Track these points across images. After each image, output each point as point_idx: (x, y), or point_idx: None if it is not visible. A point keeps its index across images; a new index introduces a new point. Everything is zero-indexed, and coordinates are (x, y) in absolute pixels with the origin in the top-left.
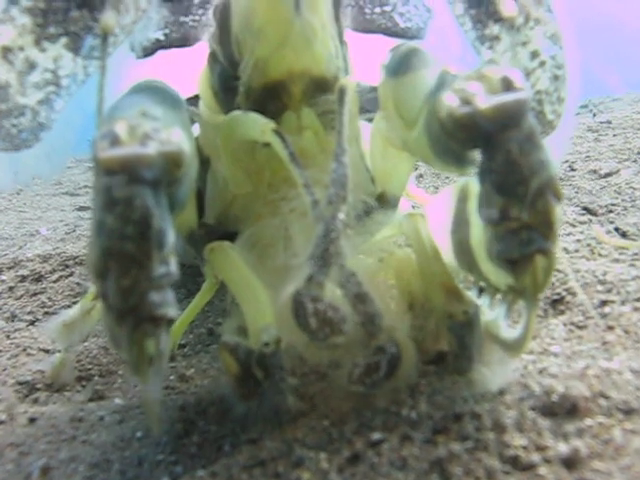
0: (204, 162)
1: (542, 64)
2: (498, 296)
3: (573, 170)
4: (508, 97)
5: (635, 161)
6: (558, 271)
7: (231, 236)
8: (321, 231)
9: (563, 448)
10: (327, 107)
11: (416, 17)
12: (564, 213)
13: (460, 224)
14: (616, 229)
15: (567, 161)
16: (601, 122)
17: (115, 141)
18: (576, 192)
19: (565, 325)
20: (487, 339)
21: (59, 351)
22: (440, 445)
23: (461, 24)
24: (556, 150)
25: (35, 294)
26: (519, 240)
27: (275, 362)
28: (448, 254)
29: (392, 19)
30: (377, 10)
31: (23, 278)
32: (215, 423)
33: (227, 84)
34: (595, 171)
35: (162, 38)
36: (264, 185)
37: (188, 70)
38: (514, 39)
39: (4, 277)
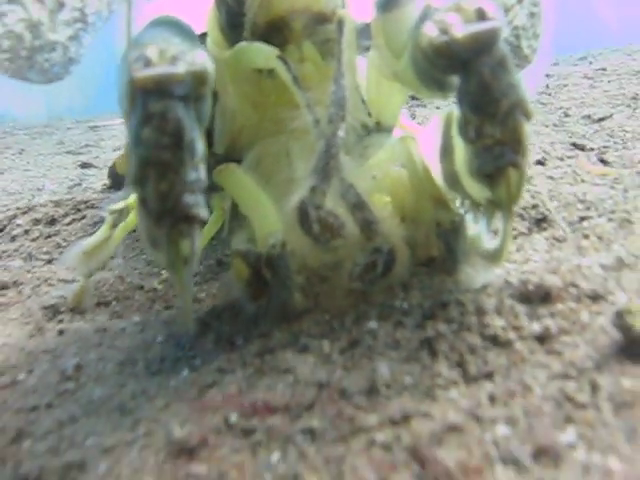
0: (213, 96)
1: (520, 1)
2: (480, 213)
3: (567, 116)
4: (481, 26)
5: (628, 106)
6: (540, 193)
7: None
8: (322, 147)
9: (536, 327)
10: (326, 37)
11: None
12: (554, 150)
13: (446, 148)
14: (601, 160)
15: (562, 107)
16: (596, 69)
17: (148, 63)
18: (570, 137)
19: (547, 239)
20: (472, 249)
21: (78, 280)
22: (429, 328)
23: None
24: (531, 82)
25: (50, 236)
26: (493, 155)
27: (282, 262)
28: (438, 176)
29: None
30: None
31: (37, 221)
32: (228, 323)
33: (233, 21)
34: (589, 116)
35: None
36: (269, 115)
37: (196, 9)
38: None
39: (19, 221)
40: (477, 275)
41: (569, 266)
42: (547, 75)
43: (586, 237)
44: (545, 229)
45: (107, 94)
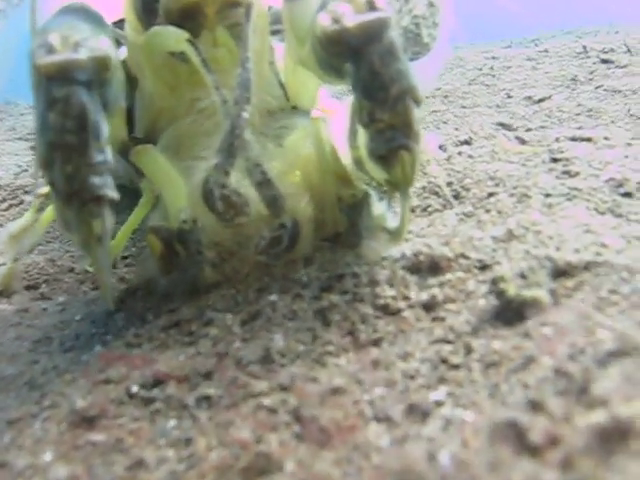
0: (132, 81)
1: None
2: (382, 193)
3: (510, 97)
4: (370, 16)
5: (568, 87)
6: (456, 172)
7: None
8: (228, 127)
9: (424, 296)
10: (239, 22)
11: None
12: (482, 129)
13: (352, 131)
14: (519, 138)
15: (504, 89)
16: (539, 51)
17: (50, 49)
18: (511, 118)
19: (457, 215)
20: (377, 229)
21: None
22: (324, 299)
23: None
24: (431, 69)
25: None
26: (385, 138)
27: (193, 237)
28: (344, 156)
29: None
30: None
31: None
32: (141, 300)
33: (148, 7)
34: (530, 97)
35: None
36: (184, 98)
37: None
38: None
39: None
40: (380, 249)
41: (461, 238)
42: (493, 57)
43: (487, 211)
44: (457, 206)
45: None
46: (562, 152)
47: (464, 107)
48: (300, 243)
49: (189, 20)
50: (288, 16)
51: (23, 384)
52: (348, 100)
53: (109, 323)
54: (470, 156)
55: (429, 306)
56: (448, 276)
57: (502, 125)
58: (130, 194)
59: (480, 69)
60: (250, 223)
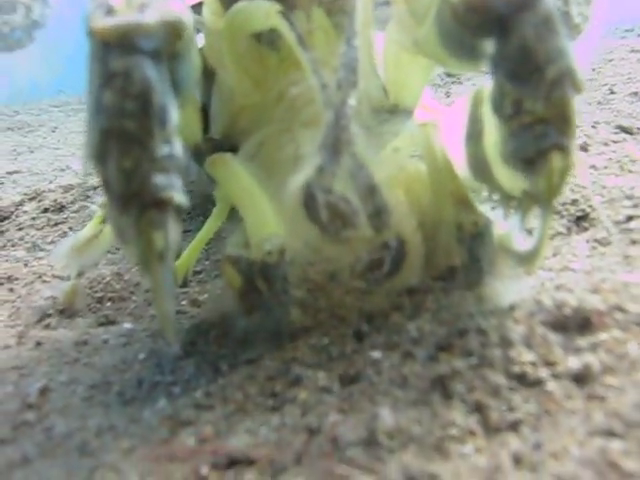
0: (209, 75)
1: None
2: (512, 208)
3: (613, 93)
4: None
5: None
6: (583, 187)
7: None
8: (331, 118)
9: (573, 363)
10: (338, 4)
11: None
12: (598, 133)
13: (474, 131)
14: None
15: (607, 84)
16: None
17: (111, 10)
18: (615, 115)
19: (588, 242)
20: (500, 253)
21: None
22: (442, 362)
23: None
24: (582, 57)
25: (57, 224)
26: (533, 135)
27: (278, 272)
28: (462, 167)
29: None
30: None
31: (45, 209)
32: (215, 344)
33: None
34: (636, 93)
35: None
36: (272, 94)
37: None
38: None
39: (26, 208)
40: (505, 290)
41: (614, 283)
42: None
43: (634, 243)
44: (586, 229)
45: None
46: None
47: None
48: (405, 268)
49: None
50: None
51: (73, 448)
52: (460, 100)
53: (176, 370)
54: (593, 167)
55: (581, 378)
56: (602, 336)
57: (621, 128)
58: (201, 197)
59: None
60: (352, 242)
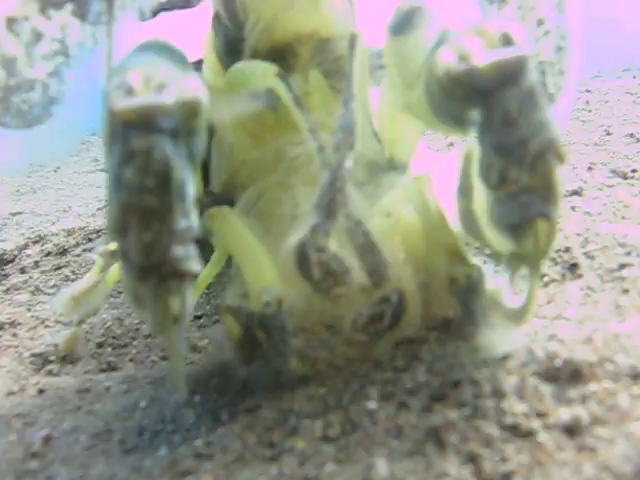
0: (209, 130)
1: (547, 33)
2: (502, 264)
3: (609, 134)
4: (506, 52)
5: None
6: (577, 234)
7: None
8: (327, 178)
9: (565, 414)
10: (336, 66)
11: None
12: (592, 177)
13: (465, 188)
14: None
15: (603, 125)
16: (639, 84)
17: (130, 91)
18: (611, 157)
19: (582, 289)
20: (492, 308)
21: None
22: (437, 413)
23: None
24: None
25: (59, 267)
26: (519, 204)
27: (277, 323)
28: (454, 219)
29: None
30: None
31: (47, 252)
32: (215, 392)
33: (232, 47)
34: (632, 134)
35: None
36: (270, 149)
37: (192, 33)
38: (522, 2)
39: (30, 252)
40: (499, 340)
41: (605, 334)
42: (587, 90)
43: (625, 292)
44: (580, 276)
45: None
46: None
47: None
48: (405, 321)
49: (278, 62)
50: (394, 53)
51: None
52: (455, 151)
53: (177, 418)
54: (587, 213)
55: (572, 429)
56: (592, 387)
57: (615, 172)
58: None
59: (574, 104)
60: (347, 297)
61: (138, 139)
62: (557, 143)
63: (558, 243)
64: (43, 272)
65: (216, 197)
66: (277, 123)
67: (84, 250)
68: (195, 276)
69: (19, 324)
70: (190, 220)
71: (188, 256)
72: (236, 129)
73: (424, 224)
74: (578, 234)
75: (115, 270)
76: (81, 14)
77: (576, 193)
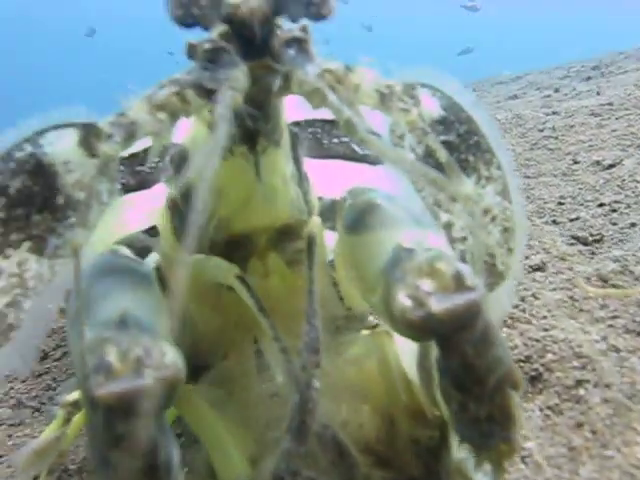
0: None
1: (493, 219)
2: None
3: (576, 163)
4: (460, 299)
5: (639, 146)
6: (536, 341)
7: (201, 370)
8: (297, 401)
9: None
10: (293, 248)
11: None
12: (555, 246)
13: (424, 375)
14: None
15: (570, 153)
16: (602, 104)
17: (109, 372)
18: (580, 189)
19: (541, 410)
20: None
21: None
22: None
23: (419, 190)
24: (505, 298)
25: (40, 375)
26: (479, 431)
27: None
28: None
29: (350, 147)
30: (335, 141)
31: None
32: None
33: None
34: (599, 162)
35: (119, 188)
36: (231, 322)
37: (149, 202)
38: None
39: None
40: None
41: None
42: (554, 112)
43: (579, 426)
44: (540, 391)
45: None
46: None
47: (528, 177)
48: None
49: (237, 249)
50: (348, 251)
51: None
52: None
53: None
54: (548, 309)
55: None
56: None
57: (577, 239)
58: None
59: (541, 130)
60: None
61: (122, 424)
62: (513, 373)
63: (518, 351)
64: (24, 381)
65: None
66: (238, 300)
67: (64, 353)
68: None
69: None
70: None
71: None
72: (197, 304)
73: (384, 383)
74: (536, 340)
75: (76, 423)
76: (39, 250)
77: (539, 269)
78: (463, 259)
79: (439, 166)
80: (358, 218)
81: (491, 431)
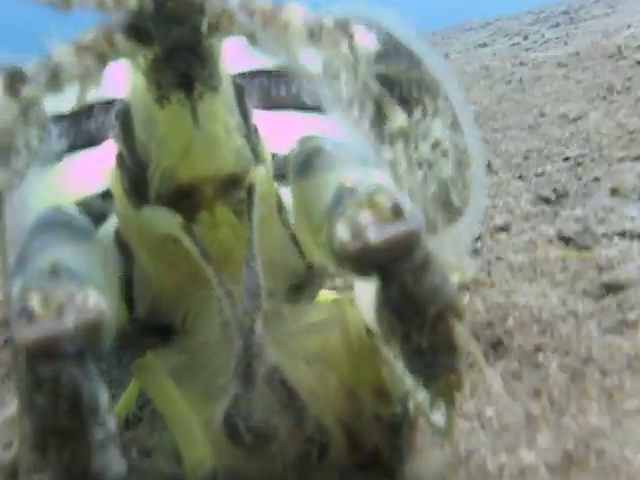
0: (130, 252)
1: (444, 153)
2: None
3: (543, 116)
4: (398, 228)
5: (604, 98)
6: (497, 306)
7: (164, 329)
8: (241, 347)
9: None
10: (241, 197)
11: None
12: (519, 205)
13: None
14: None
15: (537, 105)
16: (570, 55)
17: (31, 317)
18: (546, 143)
19: (503, 376)
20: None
21: None
22: None
23: (358, 125)
24: (465, 235)
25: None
26: (424, 362)
27: None
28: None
29: (299, 98)
30: (283, 91)
31: None
32: None
33: (137, 185)
34: (565, 115)
35: (66, 147)
36: (187, 278)
37: (101, 162)
38: (412, 134)
39: None
40: (426, 470)
41: (514, 461)
42: (521, 63)
43: (537, 395)
44: (502, 357)
45: None
46: (613, 268)
47: (495, 130)
48: (331, 456)
49: (184, 200)
50: (297, 194)
51: None
52: None
53: None
54: (510, 268)
55: None
56: None
57: (543, 200)
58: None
59: (509, 82)
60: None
61: (44, 367)
62: (454, 303)
63: (480, 316)
64: None
65: (141, 323)
66: (188, 253)
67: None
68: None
69: None
70: (106, 428)
71: (109, 461)
72: (151, 258)
73: (348, 355)
74: (498, 305)
75: None
76: None
77: (503, 229)
78: (411, 196)
79: (377, 102)
80: (305, 162)
81: (435, 360)
